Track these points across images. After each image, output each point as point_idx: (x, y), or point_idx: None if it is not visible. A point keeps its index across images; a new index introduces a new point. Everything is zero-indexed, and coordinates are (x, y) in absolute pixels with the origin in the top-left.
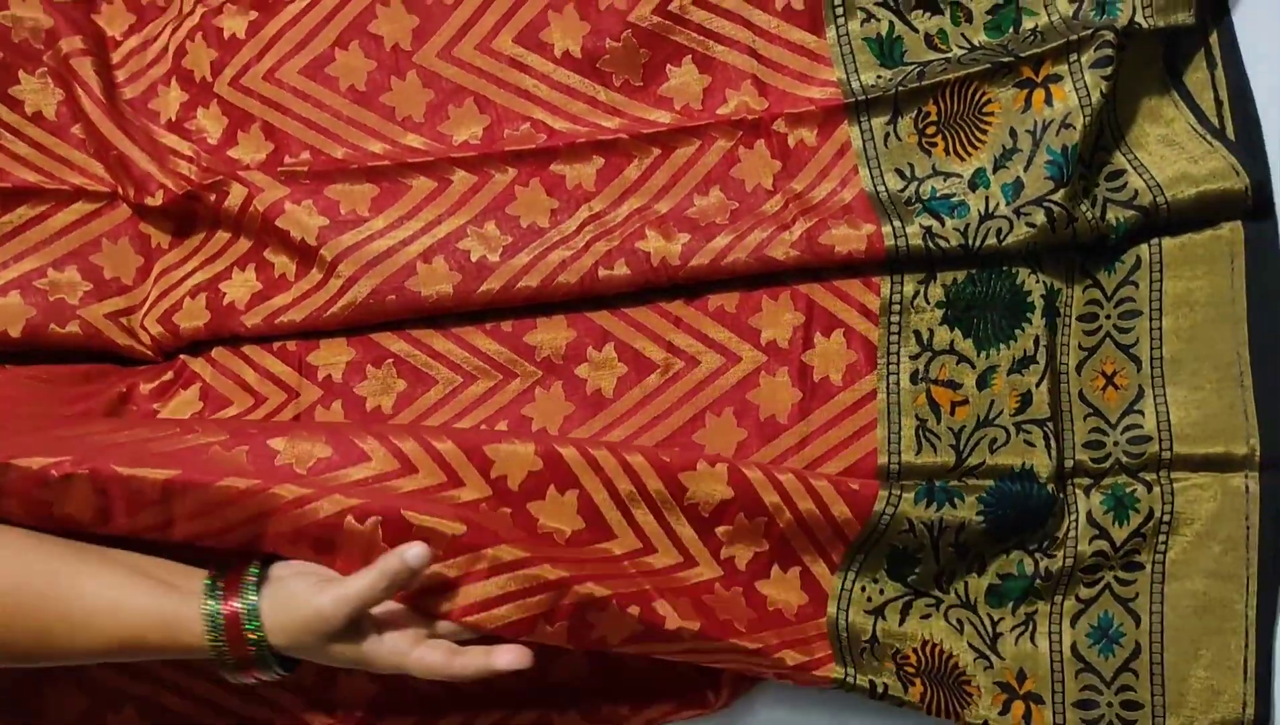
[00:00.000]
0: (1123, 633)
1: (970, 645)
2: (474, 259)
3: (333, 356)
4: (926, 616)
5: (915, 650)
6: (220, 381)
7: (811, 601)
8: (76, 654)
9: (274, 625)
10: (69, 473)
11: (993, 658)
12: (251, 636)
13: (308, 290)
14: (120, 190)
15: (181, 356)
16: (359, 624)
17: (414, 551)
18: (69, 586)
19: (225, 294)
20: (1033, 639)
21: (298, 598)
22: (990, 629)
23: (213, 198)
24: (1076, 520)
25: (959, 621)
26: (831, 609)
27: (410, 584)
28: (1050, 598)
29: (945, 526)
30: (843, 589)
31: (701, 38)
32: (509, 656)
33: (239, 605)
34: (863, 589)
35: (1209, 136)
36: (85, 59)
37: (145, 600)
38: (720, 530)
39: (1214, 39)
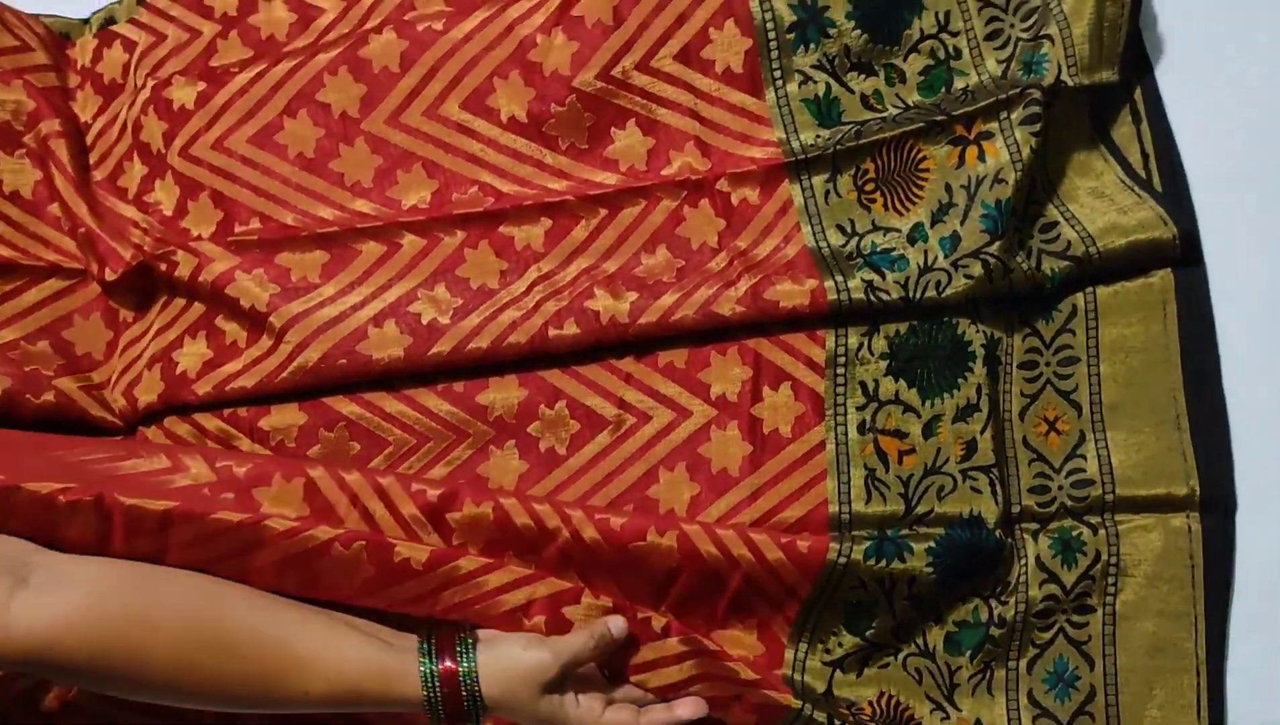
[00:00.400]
0: (1078, 676)
1: (928, 696)
2: (425, 322)
3: (284, 421)
4: (885, 665)
5: (871, 703)
6: None
7: (768, 653)
8: (292, 699)
9: (489, 679)
10: (75, 499)
11: (949, 709)
12: (467, 690)
13: (258, 357)
14: (89, 267)
15: (140, 427)
16: (562, 682)
17: (617, 623)
18: (297, 634)
19: (178, 363)
20: (989, 689)
21: (514, 652)
22: (948, 679)
23: (163, 267)
24: (1026, 565)
25: (917, 670)
26: (789, 657)
27: (610, 649)
28: (1007, 645)
29: (896, 580)
30: (800, 644)
31: (645, 101)
32: (688, 708)
33: (456, 662)
34: (821, 642)
35: (1137, 188)
36: (62, 141)
37: (365, 652)
38: (674, 592)
39: (1138, 95)
